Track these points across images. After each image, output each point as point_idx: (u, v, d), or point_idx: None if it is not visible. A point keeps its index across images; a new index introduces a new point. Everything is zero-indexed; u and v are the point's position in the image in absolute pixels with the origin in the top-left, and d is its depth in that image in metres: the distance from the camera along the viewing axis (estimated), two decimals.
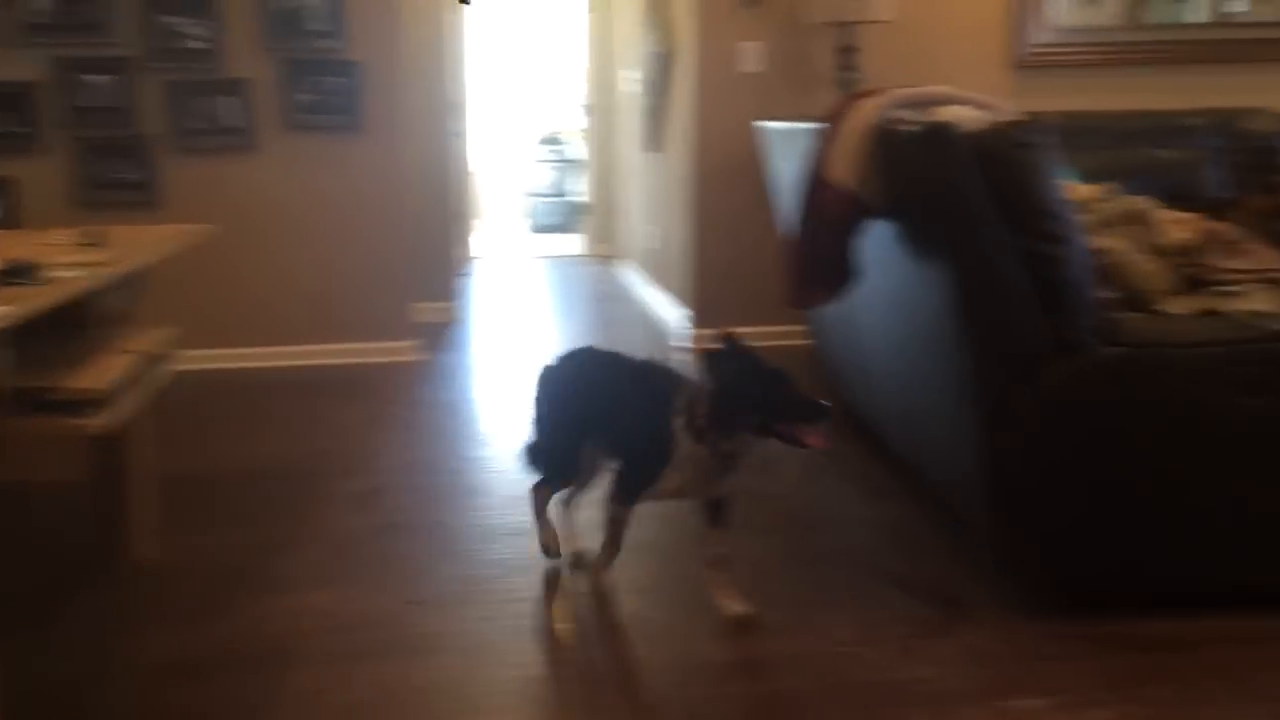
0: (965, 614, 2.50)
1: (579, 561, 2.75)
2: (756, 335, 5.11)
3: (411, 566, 2.80)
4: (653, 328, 5.73)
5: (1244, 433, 2.37)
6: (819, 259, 2.78)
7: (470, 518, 3.15)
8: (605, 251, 8.38)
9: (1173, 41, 5.20)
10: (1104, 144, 4.87)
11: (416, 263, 5.22)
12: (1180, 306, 2.56)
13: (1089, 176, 4.07)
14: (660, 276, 6.09)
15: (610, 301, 6.72)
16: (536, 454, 2.75)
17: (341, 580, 2.70)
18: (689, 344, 5.15)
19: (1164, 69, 5.18)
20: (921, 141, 2.41)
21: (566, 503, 2.81)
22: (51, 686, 2.23)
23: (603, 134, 8.23)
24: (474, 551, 2.89)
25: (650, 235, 6.41)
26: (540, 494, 2.75)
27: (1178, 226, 2.96)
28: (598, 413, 2.58)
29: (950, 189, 2.38)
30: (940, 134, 2.38)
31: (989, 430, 2.46)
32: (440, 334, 5.56)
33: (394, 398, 4.45)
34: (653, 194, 6.37)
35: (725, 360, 2.30)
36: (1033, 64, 5.14)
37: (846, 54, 4.75)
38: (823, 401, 2.25)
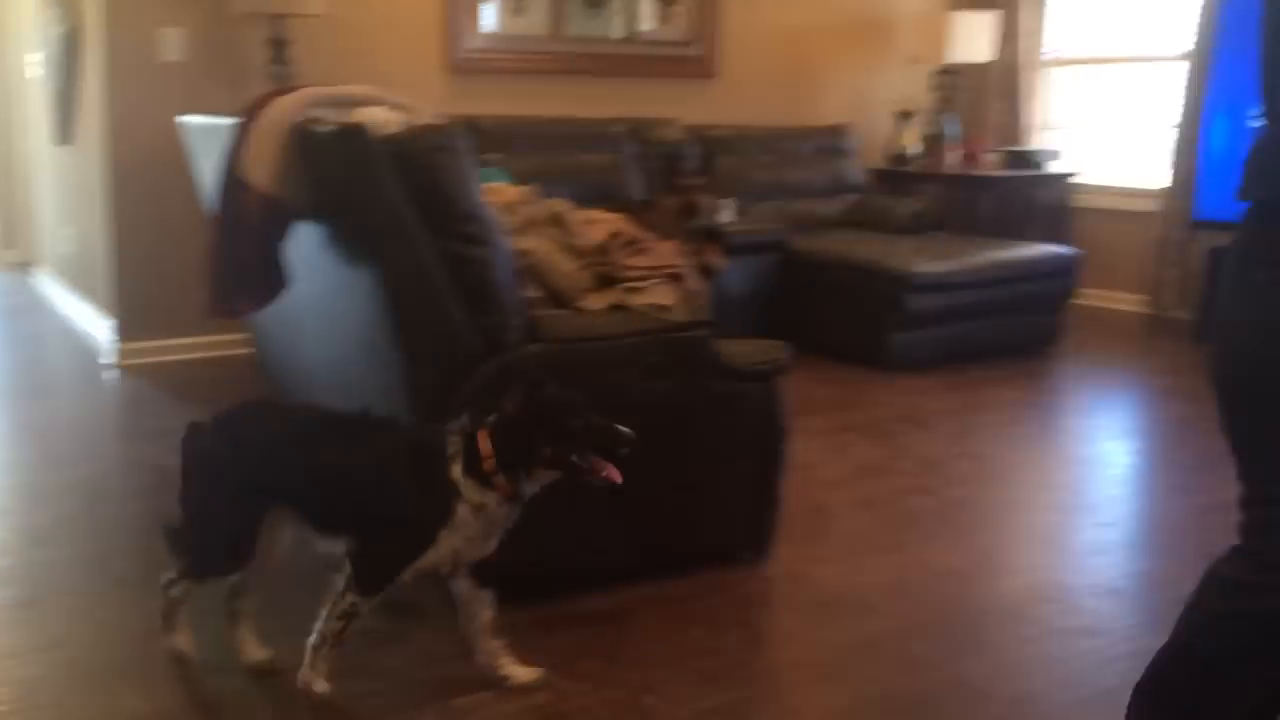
0: (419, 620, 2.50)
1: (263, 670, 2.22)
2: (191, 346, 4.87)
3: None
4: (76, 343, 5.11)
5: (655, 415, 2.62)
6: (240, 265, 2.62)
7: None
8: (14, 258, 7.31)
9: (592, 54, 5.64)
10: (535, 148, 5.18)
11: None
12: (595, 302, 2.77)
13: (521, 179, 4.29)
14: (81, 284, 5.44)
15: (21, 315, 5.87)
16: (186, 538, 2.18)
17: None
18: (116, 360, 4.66)
19: (585, 79, 5.60)
20: (337, 143, 2.36)
21: (235, 599, 2.23)
22: None
23: (4, 126, 7.16)
24: None
25: (66, 238, 5.69)
26: (180, 589, 2.20)
27: (592, 227, 3.22)
28: (293, 484, 2.10)
29: (369, 192, 2.35)
30: (356, 136, 2.35)
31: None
32: None
33: None
34: (66, 192, 5.66)
35: (510, 386, 2.00)
36: (468, 68, 5.30)
37: (278, 47, 4.56)
38: (623, 428, 1.99)
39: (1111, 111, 6.41)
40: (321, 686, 2.05)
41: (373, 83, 2.96)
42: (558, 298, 2.77)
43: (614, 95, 5.62)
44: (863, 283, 4.93)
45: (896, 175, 6.29)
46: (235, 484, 2.10)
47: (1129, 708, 1.75)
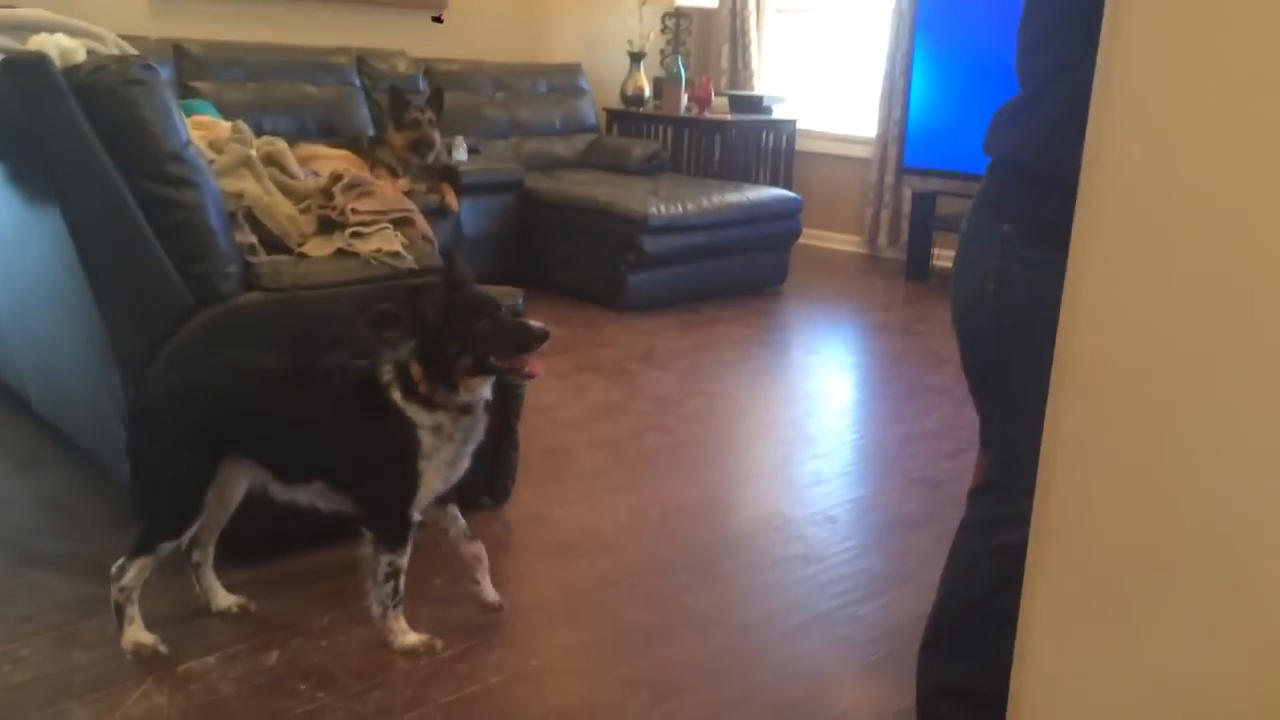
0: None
1: (237, 612, 2.25)
2: None
3: None
4: None
5: None
6: None
7: None
8: None
9: None
10: (250, 76, 4.85)
11: None
12: (318, 248, 2.63)
13: (233, 112, 4.01)
14: None
15: None
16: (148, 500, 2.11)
17: None
18: None
19: (306, 4, 5.29)
20: (10, 73, 2.10)
21: (193, 552, 2.21)
22: None
23: None
24: None
25: None
26: (132, 574, 2.06)
27: (315, 164, 3.05)
28: (251, 433, 2.08)
29: (51, 129, 2.12)
30: (34, 66, 2.10)
31: (134, 387, 2.29)
32: None
33: None
34: None
35: (418, 301, 1.99)
36: None
37: None
38: (535, 323, 2.01)
39: (831, 60, 6.72)
40: (412, 637, 2.16)
41: (52, 3, 2.66)
42: (276, 243, 2.61)
43: (337, 23, 5.35)
44: (600, 224, 4.96)
45: (630, 116, 6.35)
46: (187, 434, 2.05)
47: (918, 672, 1.84)
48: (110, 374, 2.34)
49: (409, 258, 2.63)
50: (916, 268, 5.89)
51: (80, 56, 2.24)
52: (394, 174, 4.67)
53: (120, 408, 2.33)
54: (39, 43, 2.20)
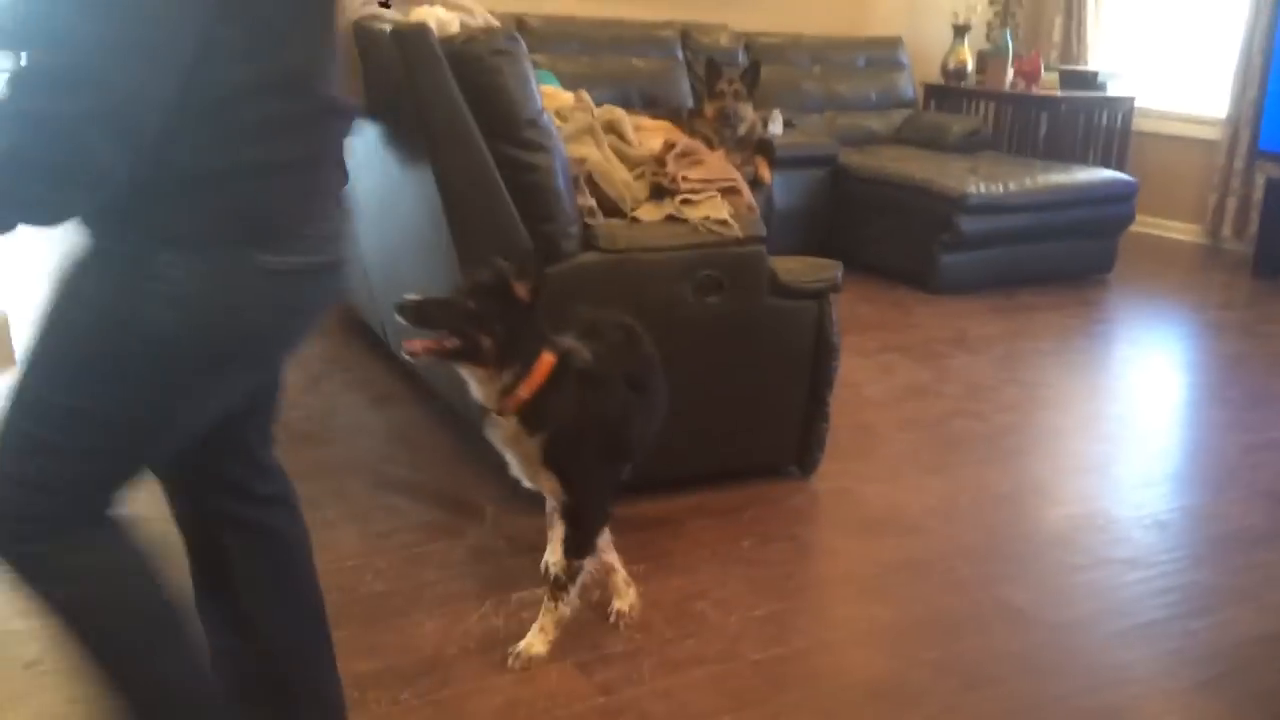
0: (471, 515, 2.54)
1: None
2: None
3: None
4: None
5: (706, 328, 2.61)
6: None
7: None
8: None
9: None
10: (583, 50, 5.08)
11: None
12: (649, 213, 2.73)
13: (566, 82, 4.21)
14: None
15: None
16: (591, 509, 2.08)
17: None
18: None
19: None
20: (396, 43, 2.31)
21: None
22: None
23: None
24: None
25: None
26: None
27: (653, 134, 3.16)
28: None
29: (428, 93, 2.31)
30: (416, 36, 2.30)
31: None
32: None
33: None
34: None
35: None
36: None
37: None
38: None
39: (1176, 34, 6.19)
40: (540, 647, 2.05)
41: None
42: (612, 207, 2.73)
43: None
44: (914, 201, 4.84)
45: (950, 91, 6.13)
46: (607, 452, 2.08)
47: None
48: None
49: (735, 226, 2.68)
50: (1266, 262, 5.33)
51: (454, 28, 2.43)
52: (710, 145, 4.75)
53: None
54: (421, 14, 2.40)
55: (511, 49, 2.38)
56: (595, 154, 2.79)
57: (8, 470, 1.28)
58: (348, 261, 1.46)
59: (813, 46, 5.76)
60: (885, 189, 5.00)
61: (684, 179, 2.77)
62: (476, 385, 1.92)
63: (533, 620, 2.05)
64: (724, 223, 2.67)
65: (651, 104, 5.13)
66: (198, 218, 1.23)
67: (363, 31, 2.49)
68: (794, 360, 2.75)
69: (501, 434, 1.97)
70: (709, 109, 4.82)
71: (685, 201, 2.73)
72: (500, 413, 1.92)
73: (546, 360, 1.92)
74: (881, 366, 3.78)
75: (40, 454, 1.27)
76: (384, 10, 2.55)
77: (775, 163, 4.86)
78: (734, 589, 2.28)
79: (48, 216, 1.16)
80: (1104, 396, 3.82)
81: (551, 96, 3.16)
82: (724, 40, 5.49)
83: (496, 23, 2.67)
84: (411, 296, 1.85)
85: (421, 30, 2.32)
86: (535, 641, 2.02)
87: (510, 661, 1.99)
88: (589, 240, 2.53)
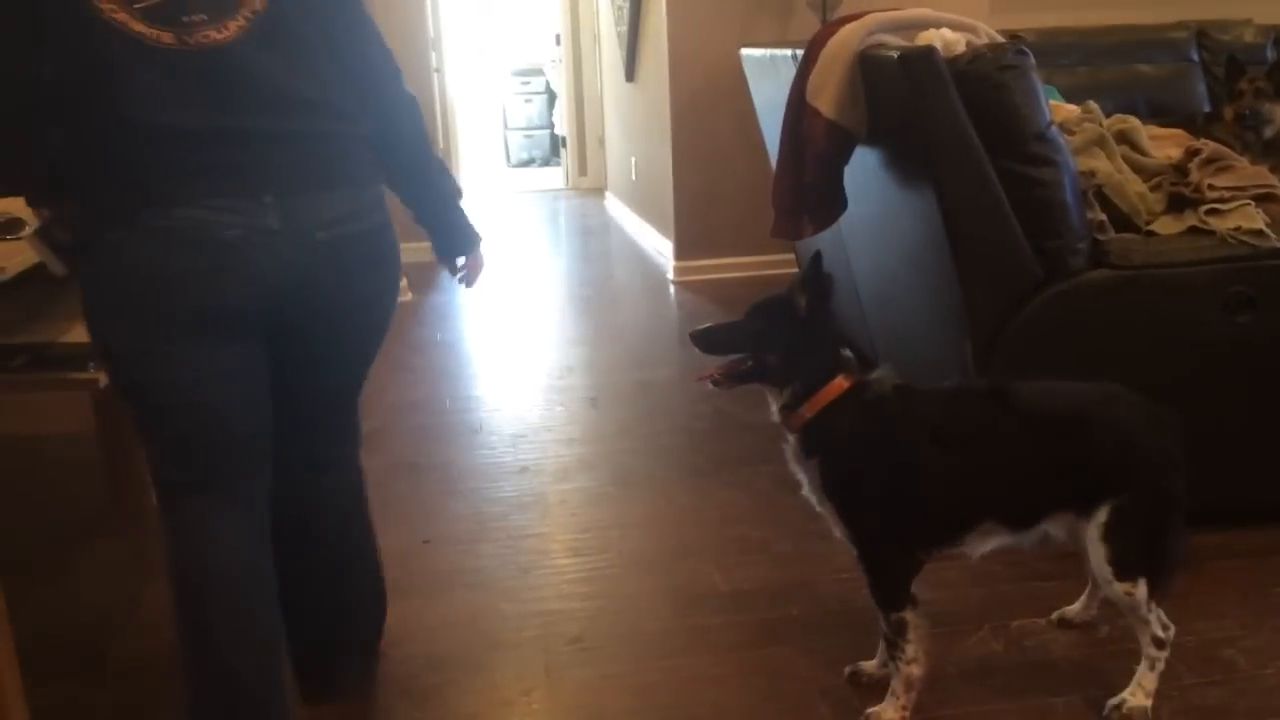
0: None
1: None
2: (739, 266, 5.20)
3: (421, 506, 2.82)
4: (642, 260, 5.71)
5: (1232, 350, 2.40)
6: (804, 188, 2.76)
7: (475, 456, 3.17)
8: (586, 185, 8.30)
9: None
10: (1079, 60, 4.84)
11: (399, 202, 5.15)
12: (1167, 226, 2.56)
13: (1068, 95, 4.05)
14: (642, 208, 6.05)
15: (594, 235, 6.67)
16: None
17: None
18: (672, 276, 5.14)
19: None
20: (903, 67, 2.38)
21: None
22: (68, 632, 2.26)
23: (576, 64, 8.09)
24: (480, 489, 2.92)
25: (630, 166, 6.35)
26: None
27: (1163, 143, 2.96)
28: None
29: (934, 115, 2.35)
30: (924, 58, 2.35)
31: (982, 357, 2.47)
32: (426, 274, 5.51)
33: (388, 338, 4.43)
34: (631, 124, 6.29)
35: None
36: None
37: None
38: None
39: None
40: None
41: (915, 5, 2.93)
42: (1124, 221, 2.59)
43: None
44: None
45: None
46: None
47: None
48: (962, 342, 2.54)
49: (1273, 236, 2.43)
50: None
51: (960, 48, 2.45)
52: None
53: (968, 372, 2.52)
54: (927, 37, 2.45)
55: (1019, 63, 2.35)
56: (1106, 166, 2.67)
57: None
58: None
59: None
60: None
61: (1210, 187, 2.57)
62: (771, 402, 1.94)
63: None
64: (1259, 233, 2.43)
65: (1160, 112, 4.74)
66: None
67: (869, 60, 2.59)
68: None
69: (789, 451, 1.96)
70: (1227, 111, 4.37)
71: (1212, 211, 2.53)
72: (788, 430, 1.93)
73: (838, 384, 1.88)
74: None
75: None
76: (888, 38, 2.63)
77: None
78: (1268, 640, 2.07)
79: None
80: None
81: (1056, 109, 3.07)
82: (1248, 36, 4.95)
83: (1000, 39, 2.65)
84: (700, 327, 1.93)
85: (928, 52, 2.37)
86: (887, 708, 1.88)
87: None
88: (1099, 257, 2.42)
